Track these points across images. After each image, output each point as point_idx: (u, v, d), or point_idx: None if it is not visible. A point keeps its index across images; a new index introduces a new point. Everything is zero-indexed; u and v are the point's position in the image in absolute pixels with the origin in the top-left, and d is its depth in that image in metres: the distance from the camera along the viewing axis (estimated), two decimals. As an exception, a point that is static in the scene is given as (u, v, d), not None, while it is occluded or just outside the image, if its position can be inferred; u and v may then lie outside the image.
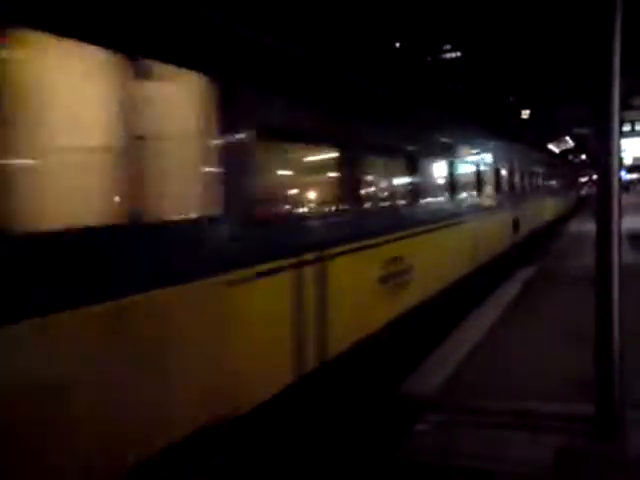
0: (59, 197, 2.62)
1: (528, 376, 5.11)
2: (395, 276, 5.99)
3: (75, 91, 2.74)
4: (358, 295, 5.24)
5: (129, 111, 2.91)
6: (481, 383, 5.05)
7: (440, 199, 7.91)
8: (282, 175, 4.64)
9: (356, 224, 5.31)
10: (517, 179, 13.58)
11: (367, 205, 5.80)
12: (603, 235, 3.85)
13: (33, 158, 2.53)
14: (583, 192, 46.48)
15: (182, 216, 3.30)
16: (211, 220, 3.43)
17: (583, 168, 50.39)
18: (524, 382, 4.97)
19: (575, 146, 47.54)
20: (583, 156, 55.90)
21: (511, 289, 9.56)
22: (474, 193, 9.70)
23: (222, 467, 3.47)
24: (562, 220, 23.05)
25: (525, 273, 11.12)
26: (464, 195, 9.03)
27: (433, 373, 5.43)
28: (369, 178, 5.97)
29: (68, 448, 2.58)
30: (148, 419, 2.96)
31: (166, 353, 3.07)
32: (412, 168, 6.84)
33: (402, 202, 6.67)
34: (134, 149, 2.94)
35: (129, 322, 2.86)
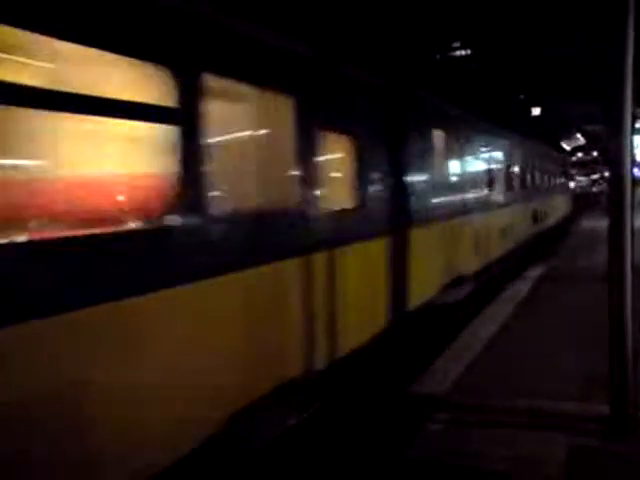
0: None
1: (540, 375, 5.09)
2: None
3: None
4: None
5: None
6: (493, 382, 5.04)
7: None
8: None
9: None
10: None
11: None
12: (616, 233, 3.82)
13: None
14: (594, 189, 46.57)
15: None
16: None
17: (595, 165, 50.17)
18: (536, 381, 4.96)
19: (587, 143, 47.19)
20: (595, 153, 55.42)
21: (522, 287, 9.51)
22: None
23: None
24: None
25: (534, 272, 11.06)
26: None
27: (445, 371, 5.41)
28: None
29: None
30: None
31: None
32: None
33: None
34: None
35: None
